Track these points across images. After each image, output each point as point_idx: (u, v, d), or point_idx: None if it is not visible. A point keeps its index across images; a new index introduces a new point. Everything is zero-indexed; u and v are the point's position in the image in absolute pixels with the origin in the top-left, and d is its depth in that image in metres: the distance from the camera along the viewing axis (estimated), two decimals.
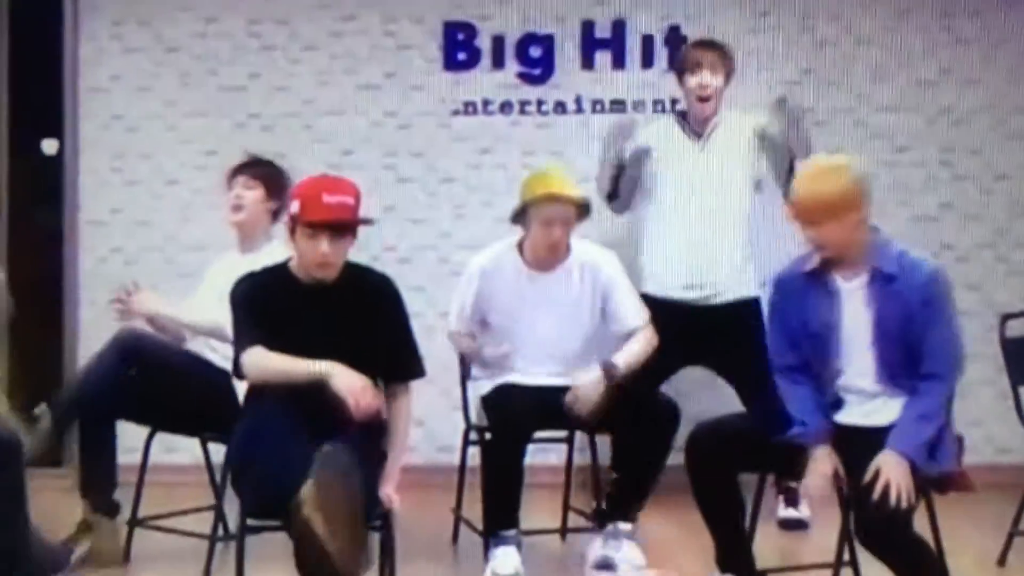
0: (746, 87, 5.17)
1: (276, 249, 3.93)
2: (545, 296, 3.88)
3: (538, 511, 4.09)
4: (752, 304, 4.29)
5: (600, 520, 3.78)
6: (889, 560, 2.93)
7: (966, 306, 4.88)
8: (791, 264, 3.21)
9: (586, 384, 3.72)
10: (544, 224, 3.77)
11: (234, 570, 3.10)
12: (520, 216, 3.87)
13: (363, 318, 3.11)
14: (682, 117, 4.49)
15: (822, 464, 3.05)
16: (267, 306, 3.11)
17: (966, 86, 5.21)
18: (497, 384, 3.87)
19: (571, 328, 3.90)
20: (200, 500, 4.01)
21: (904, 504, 2.86)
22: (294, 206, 3.09)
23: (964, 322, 4.90)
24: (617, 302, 3.91)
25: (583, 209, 3.85)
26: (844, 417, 3.13)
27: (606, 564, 3.69)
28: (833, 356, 3.11)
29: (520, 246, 3.92)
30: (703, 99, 4.36)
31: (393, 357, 3.16)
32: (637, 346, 3.86)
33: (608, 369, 3.75)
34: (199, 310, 3.95)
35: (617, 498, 3.80)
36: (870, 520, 2.90)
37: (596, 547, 3.76)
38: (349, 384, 2.94)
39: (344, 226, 3.06)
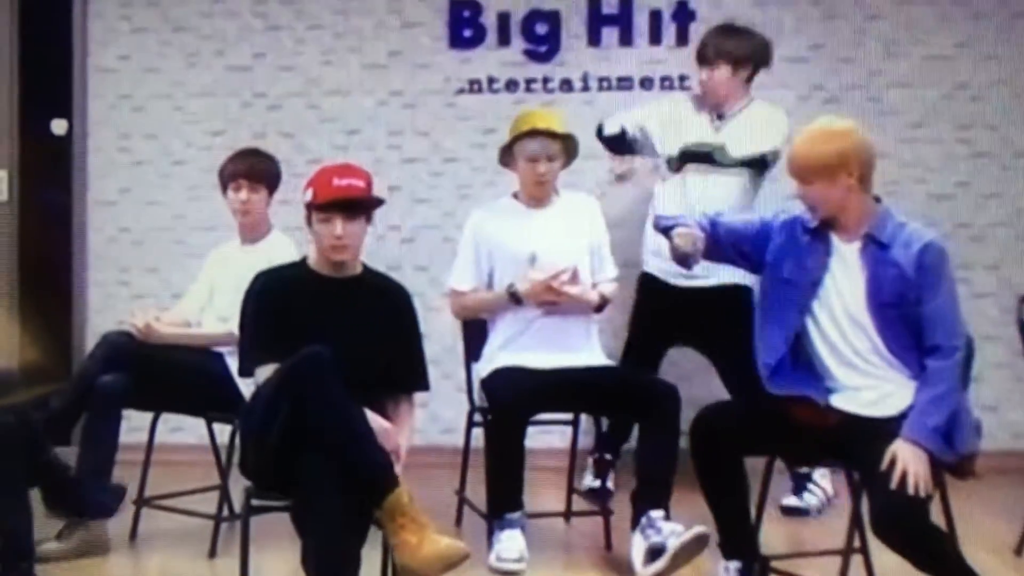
0: None
1: (277, 240, 4.04)
2: (543, 226, 3.89)
3: (543, 494, 4.09)
4: (744, 291, 4.20)
5: (633, 520, 3.66)
6: (906, 552, 2.86)
7: (983, 287, 4.89)
8: (802, 214, 3.18)
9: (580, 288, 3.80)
10: (528, 160, 3.81)
11: (239, 549, 3.11)
12: (507, 157, 3.91)
13: (377, 322, 3.17)
14: (700, 99, 4.42)
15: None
16: (283, 303, 3.15)
17: (983, 61, 5.08)
18: (496, 367, 3.85)
19: (572, 250, 3.90)
20: (206, 480, 4.03)
21: (922, 493, 2.82)
22: (308, 194, 3.16)
23: (980, 303, 4.93)
24: (600, 258, 3.96)
25: (569, 147, 3.84)
26: (847, 403, 3.07)
27: (655, 551, 3.52)
28: (800, 310, 3.08)
29: (515, 195, 3.98)
30: (717, 92, 4.31)
31: (402, 367, 3.21)
32: (610, 287, 3.95)
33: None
34: (209, 322, 4.00)
35: (643, 490, 3.72)
36: (886, 511, 2.84)
37: (638, 544, 3.59)
38: (376, 425, 2.99)
39: (355, 205, 3.12)
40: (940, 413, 2.92)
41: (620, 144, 4.48)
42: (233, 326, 3.41)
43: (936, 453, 2.89)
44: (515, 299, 3.79)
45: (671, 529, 3.52)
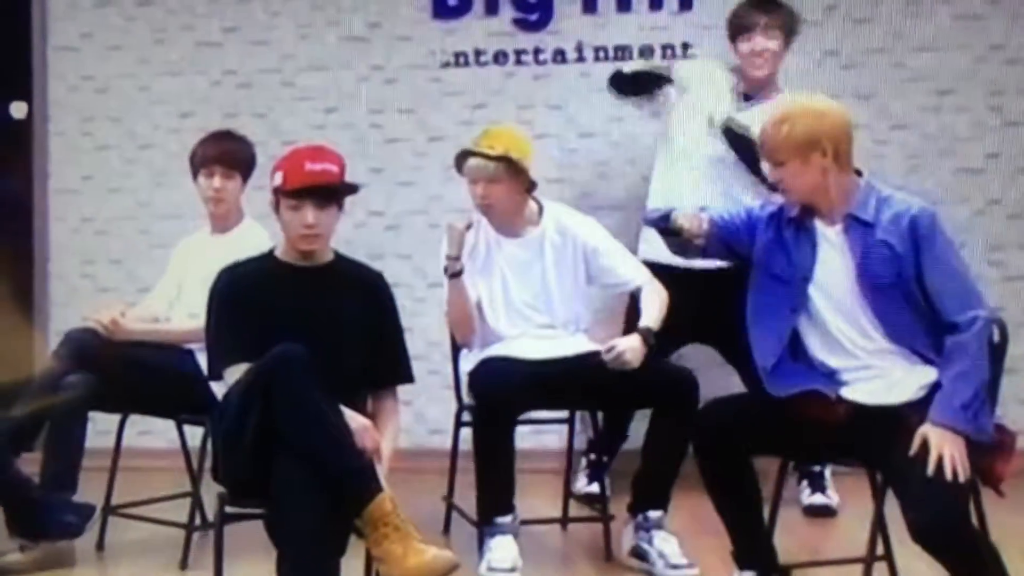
0: None
1: (250, 229, 3.96)
2: (514, 262, 3.80)
3: (537, 499, 4.00)
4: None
5: (632, 507, 3.71)
6: (947, 558, 2.76)
7: (1018, 269, 4.73)
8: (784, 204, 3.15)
9: (629, 347, 3.63)
10: (469, 183, 3.78)
11: (212, 560, 3.06)
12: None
13: (353, 312, 3.14)
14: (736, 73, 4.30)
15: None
16: (250, 298, 3.13)
17: (1017, 20, 4.84)
18: (483, 357, 3.75)
19: (553, 292, 3.81)
20: (177, 486, 3.96)
21: (961, 478, 2.73)
22: (276, 178, 3.13)
23: (1015, 286, 4.79)
24: (606, 265, 3.82)
25: (513, 167, 3.73)
26: (857, 394, 2.96)
27: (638, 553, 3.66)
28: (793, 308, 3.02)
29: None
30: (757, 65, 4.20)
31: (382, 359, 3.18)
32: (654, 305, 3.78)
33: (644, 334, 3.68)
34: (179, 317, 3.93)
35: (642, 484, 3.72)
36: (925, 511, 2.71)
37: (628, 536, 3.72)
38: (355, 424, 2.96)
39: (328, 192, 3.10)
40: (967, 390, 2.83)
41: (643, 82, 4.33)
42: (203, 321, 3.36)
43: (971, 433, 2.79)
44: None
45: (663, 549, 3.58)
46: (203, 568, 3.46)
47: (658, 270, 4.03)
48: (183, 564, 3.63)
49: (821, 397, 2.97)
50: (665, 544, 3.61)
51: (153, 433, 4.30)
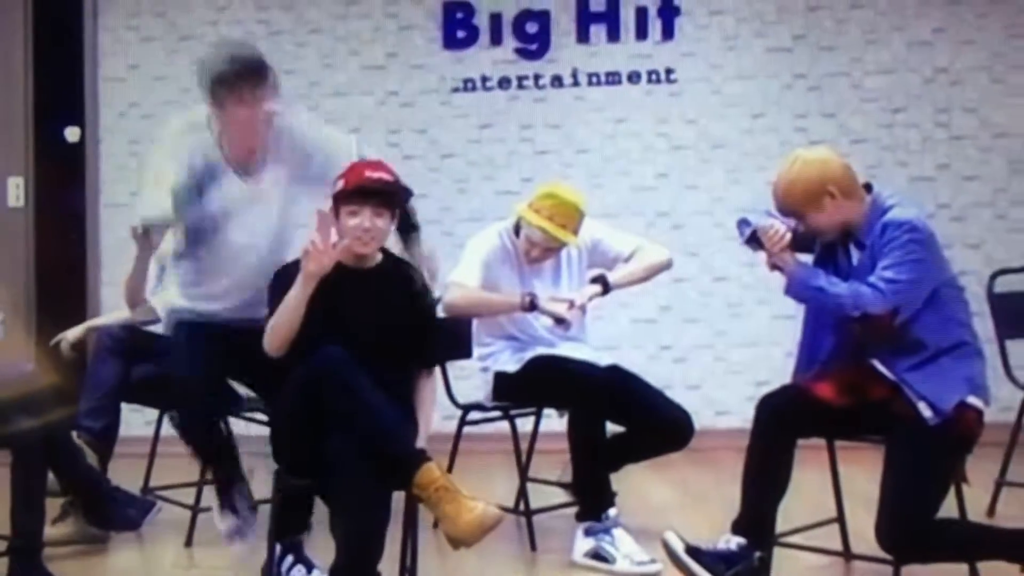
0: (739, 53, 5.31)
1: None
2: (538, 274, 3.86)
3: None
4: None
5: (585, 511, 3.60)
6: (933, 559, 2.96)
7: (963, 264, 4.91)
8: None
9: (582, 293, 3.71)
10: (529, 242, 3.77)
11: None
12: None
13: (398, 305, 3.19)
14: None
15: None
16: (313, 300, 3.12)
17: (961, 46, 5.21)
18: (528, 357, 3.75)
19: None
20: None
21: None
22: (338, 185, 3.15)
23: (962, 281, 5.01)
24: (602, 248, 3.88)
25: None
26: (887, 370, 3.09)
27: (599, 556, 3.52)
28: (837, 324, 3.14)
29: (516, 231, 3.85)
30: None
31: (421, 345, 3.25)
32: (630, 267, 3.81)
33: (601, 280, 3.75)
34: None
35: (595, 488, 3.62)
36: (886, 528, 2.88)
37: (581, 539, 3.58)
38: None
39: (384, 197, 3.14)
40: (820, 284, 3.04)
41: None
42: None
43: (796, 283, 3.06)
44: (531, 306, 3.70)
45: (624, 548, 3.49)
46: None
47: None
48: (187, 541, 3.75)
49: (855, 368, 3.06)
50: (623, 543, 3.51)
51: None
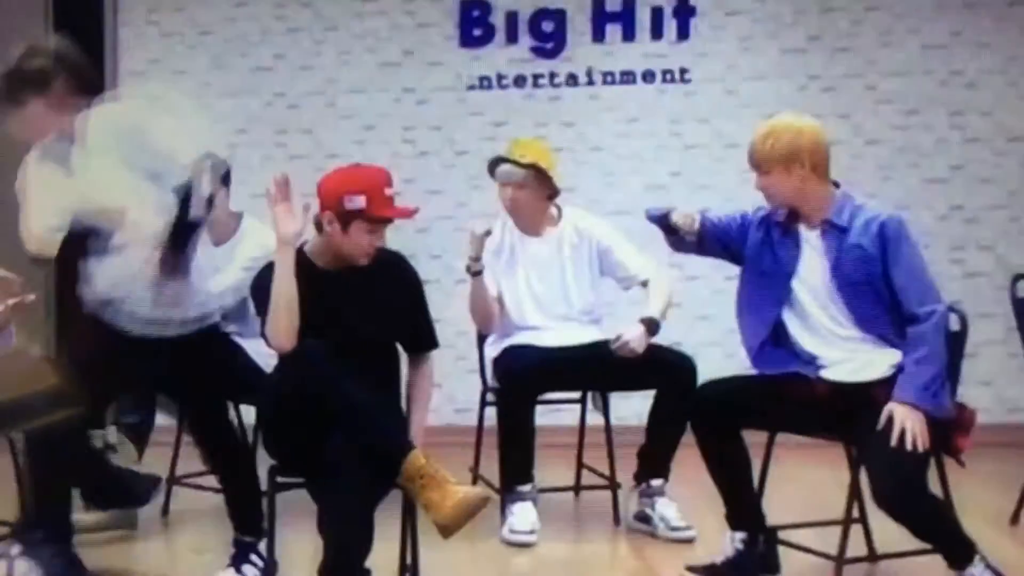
0: (754, 53, 5.32)
1: (251, 227, 3.87)
2: (535, 258, 4.00)
3: (553, 470, 4.18)
4: None
5: (637, 476, 3.90)
6: (907, 521, 2.94)
7: (976, 266, 5.03)
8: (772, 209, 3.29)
9: (634, 337, 3.80)
10: (499, 186, 3.99)
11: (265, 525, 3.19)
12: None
13: (386, 295, 3.17)
14: None
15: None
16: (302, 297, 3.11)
17: (977, 49, 5.21)
18: (506, 345, 3.97)
19: (570, 285, 4.00)
20: None
21: (920, 448, 2.89)
22: (358, 201, 3.02)
23: (975, 282, 5.04)
24: (616, 260, 3.99)
25: (540, 174, 3.94)
26: (834, 374, 3.15)
27: (642, 517, 3.87)
28: (777, 300, 3.19)
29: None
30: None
31: (415, 330, 3.25)
32: (659, 297, 3.93)
33: (647, 323, 3.84)
34: None
35: (646, 456, 3.90)
36: (884, 479, 2.91)
37: (633, 502, 3.91)
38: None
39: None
40: (926, 372, 2.99)
41: None
42: None
43: (931, 410, 2.96)
44: (475, 273, 3.93)
45: (665, 513, 3.80)
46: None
47: None
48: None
49: (802, 378, 3.13)
50: (666, 509, 3.81)
51: None
